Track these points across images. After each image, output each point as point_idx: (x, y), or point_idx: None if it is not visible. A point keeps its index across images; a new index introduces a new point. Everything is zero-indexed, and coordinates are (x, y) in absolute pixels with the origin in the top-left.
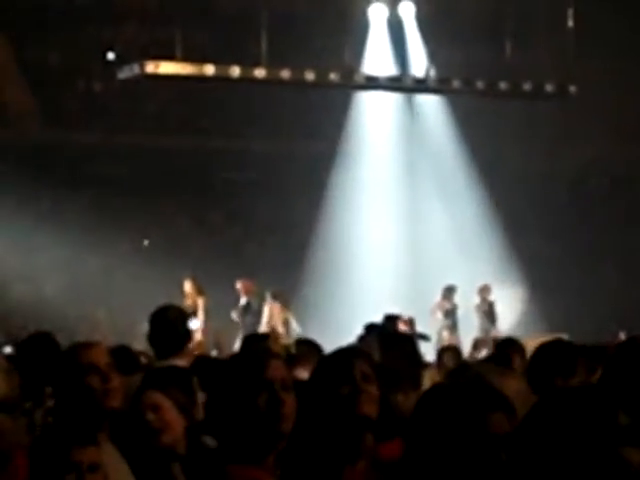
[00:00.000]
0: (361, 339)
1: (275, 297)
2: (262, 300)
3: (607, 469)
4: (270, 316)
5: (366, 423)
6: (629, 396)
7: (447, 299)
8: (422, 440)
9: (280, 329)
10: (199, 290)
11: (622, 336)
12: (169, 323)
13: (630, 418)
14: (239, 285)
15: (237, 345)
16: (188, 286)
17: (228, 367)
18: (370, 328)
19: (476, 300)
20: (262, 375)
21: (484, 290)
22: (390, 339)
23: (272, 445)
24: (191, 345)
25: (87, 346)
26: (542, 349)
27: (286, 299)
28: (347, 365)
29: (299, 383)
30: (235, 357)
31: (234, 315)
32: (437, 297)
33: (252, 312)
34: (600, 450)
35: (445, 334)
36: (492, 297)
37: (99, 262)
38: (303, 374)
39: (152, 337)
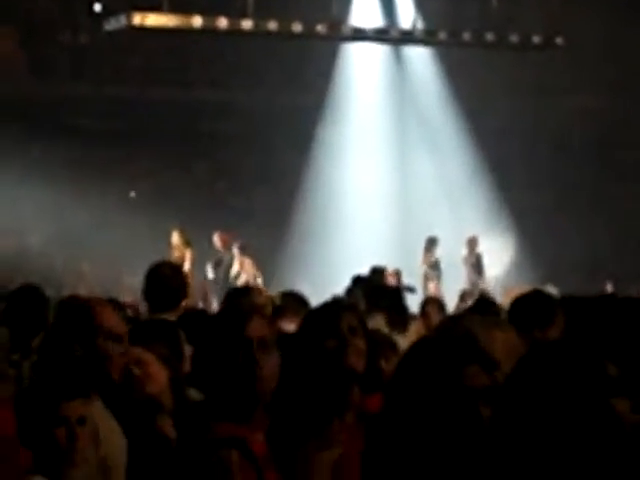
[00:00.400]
0: (348, 292)
1: (243, 249)
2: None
3: (597, 421)
4: (241, 269)
5: (352, 376)
6: (616, 348)
7: (430, 251)
8: (400, 394)
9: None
10: (186, 242)
11: (609, 287)
12: (164, 279)
13: (618, 369)
14: (216, 238)
15: (214, 301)
16: (176, 237)
17: (210, 324)
18: (356, 281)
19: (463, 252)
20: (241, 334)
21: (472, 242)
22: (376, 291)
23: (252, 404)
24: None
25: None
26: (519, 300)
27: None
28: (334, 318)
29: (285, 336)
30: (218, 314)
31: (208, 269)
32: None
33: (225, 266)
34: (590, 402)
35: (431, 286)
36: (480, 249)
37: (85, 214)
38: (289, 326)
39: (147, 293)
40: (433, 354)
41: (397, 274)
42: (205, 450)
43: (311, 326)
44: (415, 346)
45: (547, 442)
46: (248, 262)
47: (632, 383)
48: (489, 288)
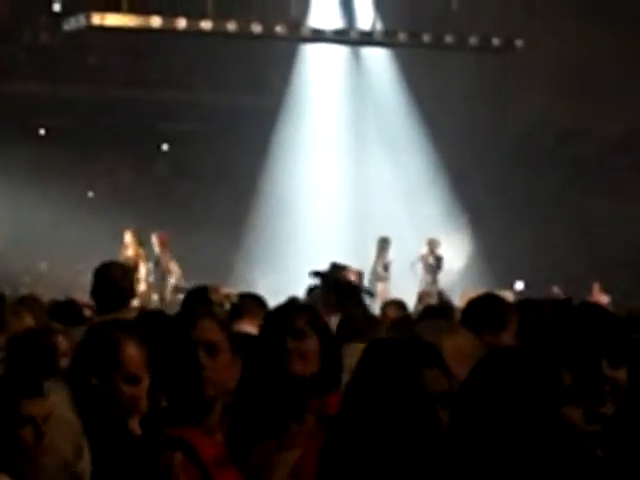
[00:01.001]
0: (309, 290)
1: (163, 245)
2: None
3: (549, 428)
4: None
5: (296, 381)
6: (573, 355)
7: (383, 251)
8: (358, 396)
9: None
10: (139, 242)
11: (555, 290)
12: (112, 279)
13: (573, 377)
14: (154, 239)
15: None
16: (128, 237)
17: (162, 325)
18: (315, 275)
19: (422, 251)
20: (187, 336)
21: (432, 243)
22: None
23: (201, 406)
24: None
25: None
26: (472, 303)
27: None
28: (280, 322)
29: (245, 337)
30: (174, 315)
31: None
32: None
33: (161, 265)
34: (542, 409)
35: (380, 287)
36: (440, 251)
37: (43, 214)
38: (248, 328)
39: (95, 292)
40: (392, 356)
41: (359, 275)
42: (152, 451)
43: (264, 329)
44: (372, 348)
45: (499, 448)
46: (166, 256)
47: (587, 391)
48: (446, 289)
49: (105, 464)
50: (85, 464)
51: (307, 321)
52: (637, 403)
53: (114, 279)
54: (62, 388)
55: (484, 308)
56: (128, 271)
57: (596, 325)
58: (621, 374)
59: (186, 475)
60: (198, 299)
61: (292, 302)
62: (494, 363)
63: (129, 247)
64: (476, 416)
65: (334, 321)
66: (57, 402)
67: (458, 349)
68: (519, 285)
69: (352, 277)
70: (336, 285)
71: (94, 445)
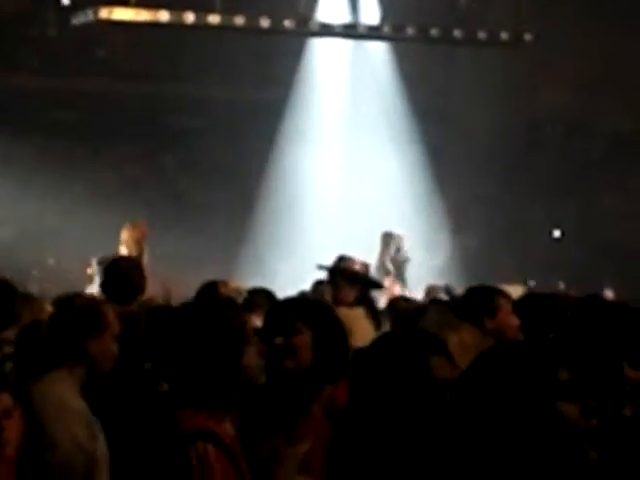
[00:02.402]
0: (315, 284)
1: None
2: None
3: (544, 423)
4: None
5: (290, 377)
6: (573, 352)
7: (387, 246)
8: (367, 385)
9: None
10: (137, 239)
11: (561, 285)
12: (123, 273)
13: (571, 374)
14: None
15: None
16: (125, 234)
17: (192, 315)
18: (321, 268)
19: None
20: (230, 324)
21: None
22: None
23: (233, 393)
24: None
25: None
26: (464, 297)
27: None
28: (270, 318)
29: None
30: (195, 305)
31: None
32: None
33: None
34: (537, 404)
35: (387, 281)
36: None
37: (50, 208)
38: (260, 322)
39: (105, 286)
40: (398, 346)
41: (366, 267)
42: (180, 444)
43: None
44: (379, 341)
45: (496, 440)
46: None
47: (584, 387)
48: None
49: (124, 450)
50: (101, 448)
51: (298, 316)
52: None
53: (125, 272)
54: (66, 376)
55: (474, 298)
56: (138, 265)
57: (620, 326)
58: None
59: (222, 467)
60: (208, 293)
61: (283, 300)
62: (493, 356)
63: (124, 243)
64: (473, 408)
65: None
66: (63, 392)
67: (463, 343)
68: (531, 283)
69: (357, 267)
70: (341, 275)
71: (108, 430)
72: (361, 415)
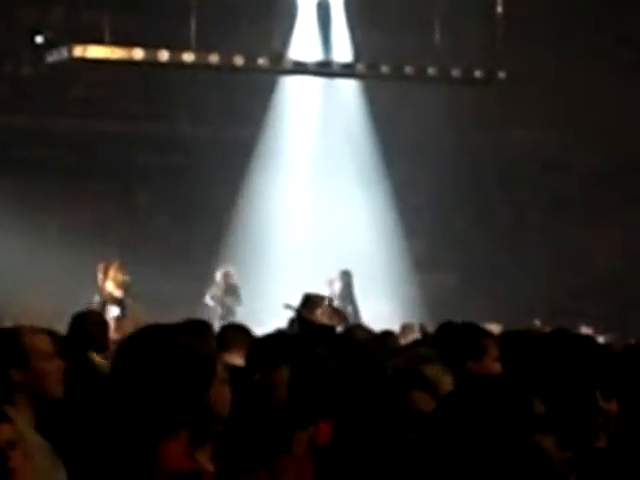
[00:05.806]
0: (291, 322)
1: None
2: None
3: (521, 456)
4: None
5: (267, 413)
6: (547, 385)
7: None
8: (348, 422)
9: None
10: (116, 275)
11: (537, 323)
12: (87, 329)
13: (546, 406)
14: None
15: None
16: (101, 275)
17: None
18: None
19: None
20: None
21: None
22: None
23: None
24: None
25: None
26: (450, 333)
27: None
28: (250, 355)
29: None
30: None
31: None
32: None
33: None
34: (514, 437)
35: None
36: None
37: (25, 247)
38: (235, 360)
39: (70, 340)
40: (380, 381)
41: (330, 302)
42: None
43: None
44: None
45: (478, 473)
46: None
47: (560, 420)
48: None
49: None
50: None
51: (275, 352)
52: (627, 434)
53: (88, 327)
54: (23, 410)
55: (462, 337)
56: (102, 320)
57: (592, 358)
58: (613, 406)
59: None
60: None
61: (266, 334)
62: (469, 390)
63: (112, 280)
64: (451, 441)
65: None
66: (24, 427)
67: (436, 378)
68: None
69: (325, 319)
70: (309, 328)
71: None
72: (344, 453)
